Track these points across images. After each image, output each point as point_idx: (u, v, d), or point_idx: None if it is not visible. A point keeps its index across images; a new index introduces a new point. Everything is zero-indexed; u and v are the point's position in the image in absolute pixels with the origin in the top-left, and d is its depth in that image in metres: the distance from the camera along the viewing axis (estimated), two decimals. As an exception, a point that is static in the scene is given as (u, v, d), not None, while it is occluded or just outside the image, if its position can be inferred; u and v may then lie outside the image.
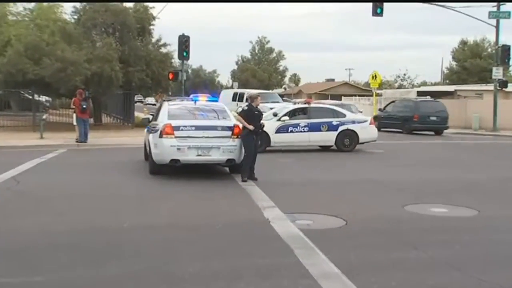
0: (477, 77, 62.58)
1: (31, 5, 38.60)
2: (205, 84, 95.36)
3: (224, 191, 14.16)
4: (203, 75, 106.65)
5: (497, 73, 40.01)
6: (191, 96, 20.51)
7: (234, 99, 36.29)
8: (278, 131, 23.41)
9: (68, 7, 39.15)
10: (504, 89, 41.15)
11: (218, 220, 10.69)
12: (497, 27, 40.82)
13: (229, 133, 15.62)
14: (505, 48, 40.42)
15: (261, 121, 16.02)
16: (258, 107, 16.35)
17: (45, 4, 38.44)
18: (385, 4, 36.36)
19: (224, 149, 15.52)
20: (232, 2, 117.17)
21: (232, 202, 12.75)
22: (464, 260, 8.37)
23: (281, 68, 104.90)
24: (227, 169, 16.64)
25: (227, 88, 45.03)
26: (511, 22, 39.54)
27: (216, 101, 18.99)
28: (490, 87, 42.39)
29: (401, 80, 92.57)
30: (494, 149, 24.22)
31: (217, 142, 15.53)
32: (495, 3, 40.08)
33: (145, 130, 18.90)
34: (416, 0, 42.48)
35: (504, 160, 22.99)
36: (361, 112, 33.24)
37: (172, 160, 15.40)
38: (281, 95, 57.14)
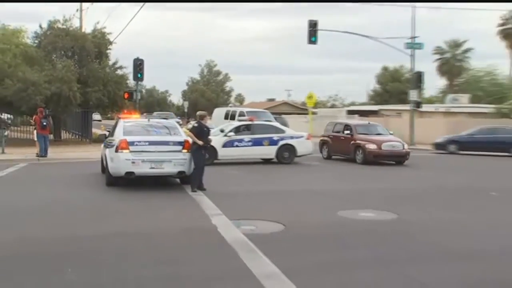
0: (397, 98, 63.41)
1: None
2: (158, 103, 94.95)
3: (175, 201, 13.91)
4: (156, 95, 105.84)
5: (413, 95, 40.94)
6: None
7: (226, 118, 34.51)
8: (225, 145, 23.29)
9: (30, 31, 38.94)
10: (419, 109, 41.92)
11: (169, 228, 10.48)
12: (412, 56, 41.63)
13: (180, 147, 15.46)
14: (419, 74, 41.43)
15: (209, 137, 15.88)
16: (207, 124, 16.18)
17: (9, 29, 37.83)
18: (320, 33, 36.72)
19: (176, 162, 15.36)
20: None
21: (182, 210, 12.52)
22: (390, 258, 8.41)
23: (227, 88, 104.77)
24: (178, 180, 16.36)
25: (217, 107, 43.90)
26: (424, 51, 40.16)
27: None
28: (408, 107, 43.11)
29: (333, 100, 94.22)
30: (411, 161, 24.58)
31: (169, 156, 15.35)
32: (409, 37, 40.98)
33: (102, 145, 18.49)
34: (347, 31, 42.79)
35: (420, 170, 23.19)
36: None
37: (127, 173, 15.14)
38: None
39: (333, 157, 26.79)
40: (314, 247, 9.06)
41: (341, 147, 26.25)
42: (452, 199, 14.99)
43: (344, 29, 45.43)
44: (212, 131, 18.50)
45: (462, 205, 14.11)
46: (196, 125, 15.99)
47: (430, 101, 66.60)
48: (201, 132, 15.42)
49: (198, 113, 16.60)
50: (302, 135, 25.53)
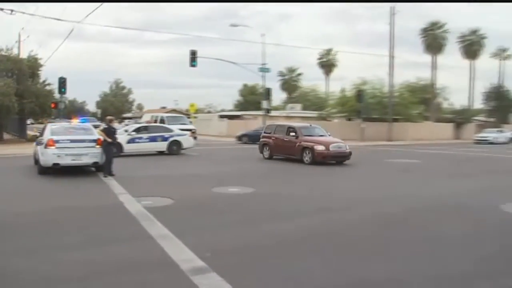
0: (254, 107, 64.61)
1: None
2: (78, 111, 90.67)
3: (92, 184, 13.36)
4: (76, 105, 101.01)
5: (264, 104, 41.81)
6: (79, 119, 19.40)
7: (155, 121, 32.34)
8: (129, 142, 22.74)
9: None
10: (268, 114, 43.03)
11: (87, 204, 10.11)
12: (263, 77, 42.67)
13: (94, 143, 15.01)
14: (268, 90, 42.09)
15: (116, 135, 15.78)
16: (113, 125, 16.08)
17: None
18: (199, 59, 36.68)
19: (91, 155, 14.92)
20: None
21: (97, 191, 12.07)
22: (252, 217, 8.70)
23: (130, 99, 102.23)
24: (93, 169, 15.79)
25: (123, 113, 41.70)
26: (271, 74, 41.21)
27: (86, 122, 18.12)
28: (261, 112, 44.13)
29: (209, 107, 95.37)
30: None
31: (86, 150, 14.89)
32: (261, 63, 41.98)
33: (35, 143, 17.53)
34: (218, 58, 43.01)
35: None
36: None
37: (54, 164, 14.60)
38: (130, 118, 55.36)
39: (274, 157, 21.80)
40: (195, 214, 9.10)
41: (285, 149, 21.28)
42: (282, 177, 15.62)
43: (216, 57, 45.78)
44: (118, 131, 18.17)
45: (296, 181, 14.77)
46: (106, 126, 15.74)
47: (276, 108, 68.42)
48: (110, 132, 15.24)
49: (107, 117, 16.56)
50: (186, 133, 25.55)
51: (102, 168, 15.14)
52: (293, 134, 20.98)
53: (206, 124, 56.99)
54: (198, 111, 60.68)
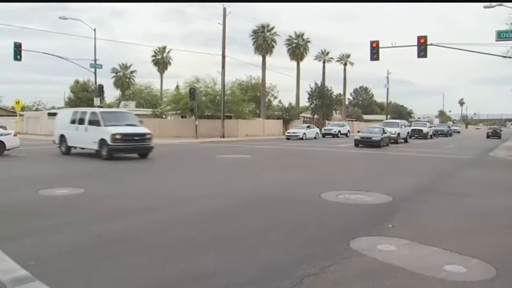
0: (86, 104, 61.03)
1: None
2: None
3: None
4: None
5: (97, 101, 40.10)
6: None
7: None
8: None
9: None
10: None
11: None
12: (95, 73, 40.87)
13: None
14: (100, 86, 40.95)
15: None
16: None
17: None
18: (24, 53, 33.52)
19: None
20: None
21: None
22: (83, 219, 8.05)
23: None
24: None
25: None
26: (104, 70, 39.16)
27: None
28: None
29: (37, 105, 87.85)
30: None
31: None
32: (93, 59, 39.98)
33: None
34: (46, 52, 39.72)
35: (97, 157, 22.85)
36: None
37: None
38: None
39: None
40: (18, 219, 8.24)
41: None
42: (108, 177, 15.20)
43: (45, 51, 41.96)
44: None
45: (117, 179, 14.43)
46: None
47: (110, 106, 66.17)
48: None
49: None
50: (10, 132, 23.18)
51: None
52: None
53: (35, 122, 52.41)
54: (24, 108, 55.63)
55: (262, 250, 6.40)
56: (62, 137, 22.76)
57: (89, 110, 22.28)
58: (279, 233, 7.34)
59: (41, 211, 9.05)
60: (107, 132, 19.52)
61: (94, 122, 20.54)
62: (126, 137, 19.64)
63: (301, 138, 43.84)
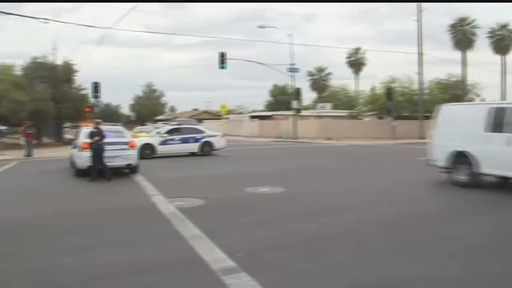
0: (285, 107, 64.35)
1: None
2: (112, 114, 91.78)
3: (125, 186, 13.52)
4: (111, 108, 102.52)
5: (295, 104, 41.70)
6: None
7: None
8: (161, 143, 22.95)
9: (18, 65, 37.11)
10: (299, 114, 42.85)
11: (121, 205, 10.21)
12: (292, 77, 42.61)
13: (126, 146, 15.26)
14: (297, 89, 42.41)
15: (97, 138, 14.34)
16: (100, 128, 14.78)
17: (4, 65, 35.28)
18: (228, 61, 36.75)
19: (124, 157, 15.10)
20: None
21: (130, 192, 12.21)
22: (283, 217, 8.51)
23: (163, 101, 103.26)
24: (127, 170, 15.87)
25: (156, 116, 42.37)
26: (300, 74, 40.66)
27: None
28: (292, 112, 43.95)
29: (240, 108, 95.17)
30: (295, 149, 25.06)
31: (119, 153, 14.99)
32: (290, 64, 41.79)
33: (70, 146, 17.82)
34: (247, 60, 43.12)
35: (299, 156, 23.62)
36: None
37: (88, 166, 14.47)
38: (164, 120, 56.09)
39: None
40: (226, 214, 8.99)
41: None
42: (310, 176, 15.41)
43: (245, 58, 45.84)
44: (151, 133, 18.22)
45: (319, 179, 14.53)
46: (93, 130, 14.61)
47: (306, 108, 68.03)
48: (93, 134, 14.39)
49: (95, 121, 15.42)
50: (218, 134, 25.56)
51: (135, 170, 15.26)
52: None
53: (238, 124, 57.14)
54: (229, 112, 60.92)
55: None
56: (459, 155, 11.75)
57: None
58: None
59: (245, 207, 9.72)
60: None
61: None
62: None
63: None
